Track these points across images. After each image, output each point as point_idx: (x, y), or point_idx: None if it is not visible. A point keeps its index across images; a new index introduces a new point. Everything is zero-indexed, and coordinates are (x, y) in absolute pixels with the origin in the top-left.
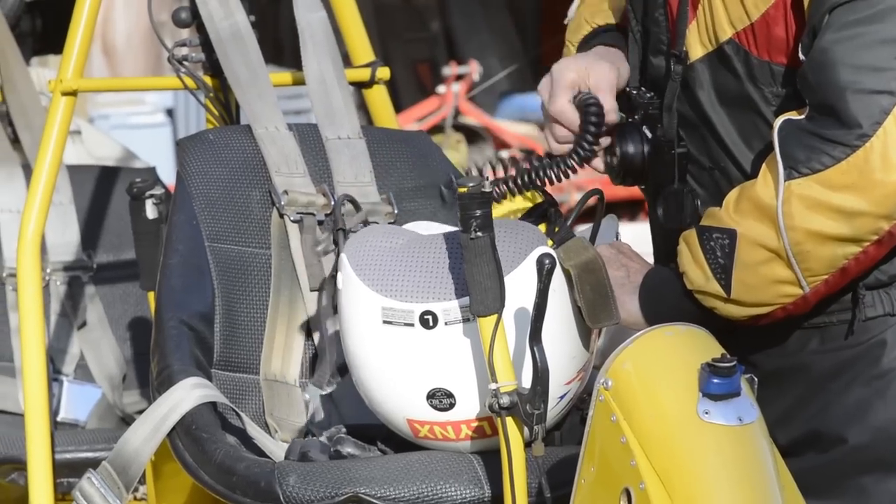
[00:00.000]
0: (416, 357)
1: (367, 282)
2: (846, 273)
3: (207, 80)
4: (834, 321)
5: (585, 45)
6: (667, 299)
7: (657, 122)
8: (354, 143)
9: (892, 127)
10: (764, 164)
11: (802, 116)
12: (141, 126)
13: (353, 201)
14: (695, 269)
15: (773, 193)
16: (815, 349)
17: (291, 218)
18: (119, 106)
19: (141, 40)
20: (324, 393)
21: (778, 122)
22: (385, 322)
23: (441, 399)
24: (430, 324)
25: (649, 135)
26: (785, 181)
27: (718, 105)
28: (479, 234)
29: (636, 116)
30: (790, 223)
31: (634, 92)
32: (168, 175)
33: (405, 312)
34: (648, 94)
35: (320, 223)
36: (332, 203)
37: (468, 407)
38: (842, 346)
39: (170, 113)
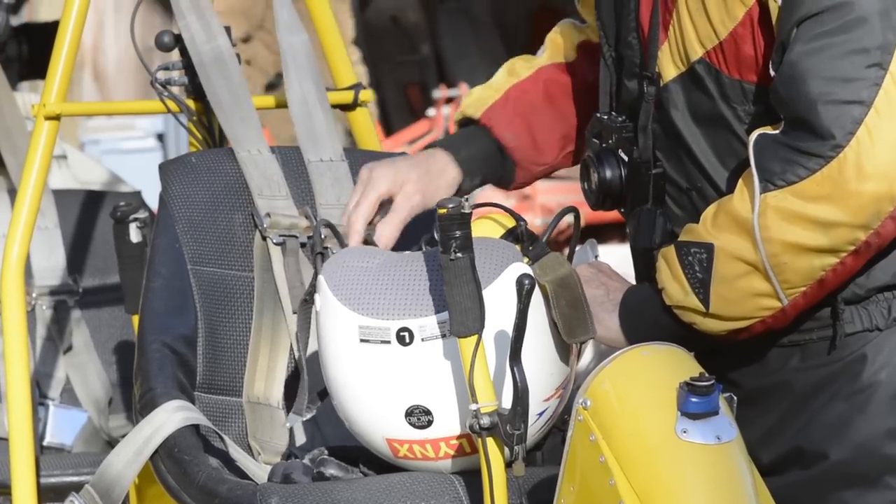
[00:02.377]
0: (394, 374)
1: (343, 301)
2: (824, 285)
3: (191, 103)
4: (814, 338)
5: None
6: (646, 316)
7: (632, 144)
8: (337, 165)
9: (864, 137)
10: (741, 179)
11: (777, 131)
12: (132, 151)
13: (331, 226)
14: (673, 285)
15: (749, 206)
16: (795, 366)
17: (274, 241)
18: (110, 131)
19: (131, 66)
20: (304, 419)
21: (753, 136)
22: (362, 340)
23: (419, 416)
24: (407, 340)
25: (625, 158)
26: (761, 194)
27: (693, 125)
28: (459, 254)
29: (610, 141)
30: (767, 235)
31: (606, 117)
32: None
33: (381, 330)
34: (620, 119)
35: (303, 246)
36: (314, 228)
37: (446, 424)
38: (822, 363)
39: (160, 138)
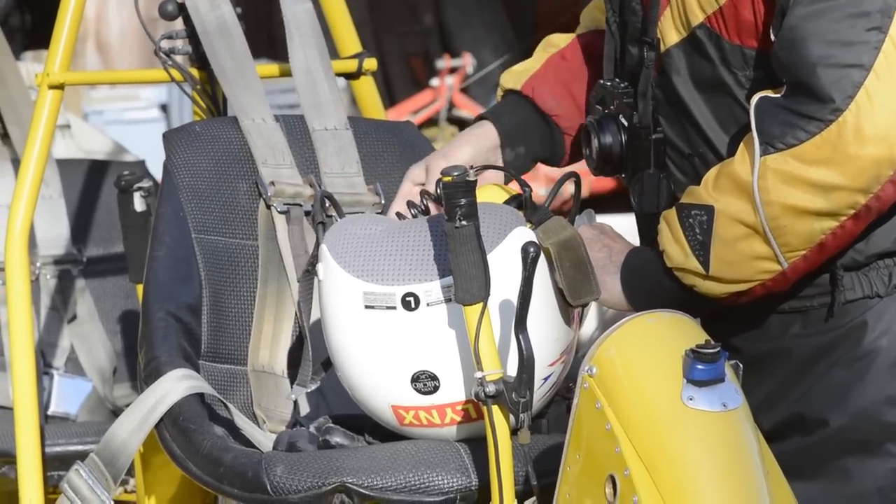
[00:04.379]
0: (400, 340)
1: (347, 268)
2: (824, 248)
3: (194, 72)
4: (815, 304)
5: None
6: (648, 278)
7: (633, 110)
8: (341, 133)
9: (864, 100)
10: (742, 142)
11: (779, 94)
12: (135, 122)
13: (330, 197)
14: (674, 247)
15: (749, 169)
16: (796, 333)
17: (278, 209)
18: (113, 102)
19: (134, 37)
20: (309, 390)
21: (754, 99)
22: (367, 307)
23: (425, 382)
24: (413, 305)
25: (626, 124)
26: (761, 157)
27: (695, 91)
28: (464, 222)
29: (612, 107)
30: (766, 198)
31: (608, 83)
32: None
33: (387, 295)
34: (622, 85)
35: (307, 214)
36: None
37: (452, 389)
38: (823, 330)
39: (164, 108)
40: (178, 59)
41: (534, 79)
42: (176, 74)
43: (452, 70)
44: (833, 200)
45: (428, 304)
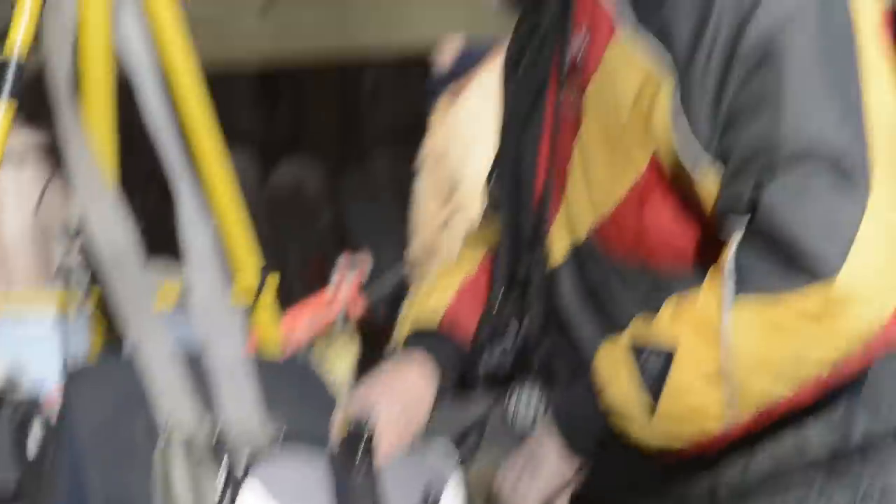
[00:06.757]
0: None
1: None
2: (772, 414)
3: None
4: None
5: (406, 343)
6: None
7: (522, 318)
8: (240, 369)
9: (854, 260)
10: (709, 282)
11: (755, 243)
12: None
13: (225, 439)
14: (617, 388)
15: (717, 313)
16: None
17: (176, 447)
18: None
19: (32, 240)
20: None
21: (732, 245)
22: None
23: None
24: None
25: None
26: (733, 300)
27: (583, 301)
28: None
29: (501, 315)
30: (733, 347)
31: (500, 291)
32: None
33: None
34: (513, 294)
35: (207, 451)
36: (217, 433)
37: None
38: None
39: (57, 327)
40: (75, 280)
41: (449, 313)
42: (72, 297)
43: (351, 271)
44: (803, 362)
45: None
